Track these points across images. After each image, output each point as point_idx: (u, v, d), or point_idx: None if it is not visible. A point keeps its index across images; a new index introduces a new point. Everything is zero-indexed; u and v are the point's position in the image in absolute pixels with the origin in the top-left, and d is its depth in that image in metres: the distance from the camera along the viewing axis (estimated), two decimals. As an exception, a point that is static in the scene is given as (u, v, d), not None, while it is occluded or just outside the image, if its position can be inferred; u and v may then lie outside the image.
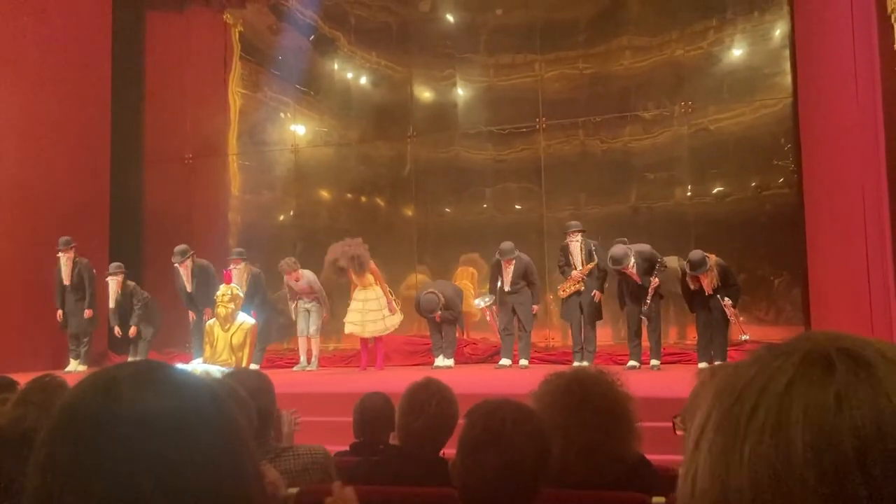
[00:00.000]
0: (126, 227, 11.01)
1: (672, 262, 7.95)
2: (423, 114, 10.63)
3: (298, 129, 11.27)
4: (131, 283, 9.30)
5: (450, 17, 10.72)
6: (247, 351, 6.86)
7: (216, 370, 5.98)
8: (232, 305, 6.88)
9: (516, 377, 7.10)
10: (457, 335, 8.87)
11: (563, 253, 8.30)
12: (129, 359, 8.46)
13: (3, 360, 7.83)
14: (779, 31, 9.28)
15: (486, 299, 8.70)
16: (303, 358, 8.92)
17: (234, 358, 6.76)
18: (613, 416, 2.07)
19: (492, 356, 9.03)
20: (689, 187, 9.46)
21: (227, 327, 6.85)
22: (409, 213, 10.59)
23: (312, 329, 8.82)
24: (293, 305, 8.91)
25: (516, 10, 10.27)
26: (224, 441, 0.69)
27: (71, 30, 10.49)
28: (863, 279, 6.62)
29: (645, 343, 7.95)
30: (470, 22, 10.51)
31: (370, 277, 8.61)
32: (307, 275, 8.79)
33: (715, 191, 9.45)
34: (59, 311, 9.26)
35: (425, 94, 10.78)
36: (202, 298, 8.83)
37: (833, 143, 7.53)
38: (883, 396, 0.51)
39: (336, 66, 11.16)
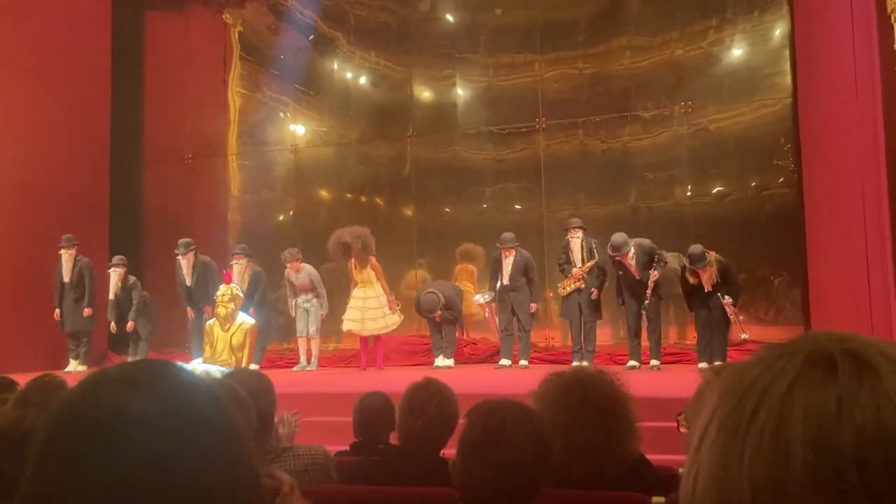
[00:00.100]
0: (126, 227, 11.01)
1: (672, 260, 7.95)
2: (422, 114, 10.63)
3: (298, 129, 11.27)
4: (132, 278, 9.32)
5: (449, 17, 10.72)
6: (247, 351, 6.87)
7: (216, 370, 5.98)
8: (232, 305, 6.88)
9: (516, 377, 7.10)
10: (457, 335, 8.88)
11: (564, 250, 8.30)
12: (129, 359, 8.46)
13: (3, 360, 7.83)
14: (779, 31, 9.28)
15: (486, 296, 8.71)
16: (303, 358, 8.93)
17: (233, 358, 6.76)
18: (613, 416, 2.07)
19: (492, 356, 9.03)
20: (689, 187, 9.46)
21: (226, 327, 6.86)
22: (408, 212, 10.59)
23: (312, 329, 8.84)
24: (292, 303, 8.93)
25: (516, 10, 10.27)
26: (223, 441, 0.68)
27: (70, 30, 10.49)
28: (862, 279, 6.62)
29: (645, 343, 7.95)
30: (470, 22, 10.51)
31: (371, 273, 8.63)
32: (308, 269, 8.85)
33: (715, 191, 9.45)
34: (57, 310, 9.27)
35: (425, 93, 10.78)
36: (201, 294, 8.85)
37: (833, 143, 7.53)
38: (885, 400, 0.50)
39: (336, 66, 11.16)
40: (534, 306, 8.42)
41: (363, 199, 10.88)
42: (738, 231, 9.01)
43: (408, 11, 10.71)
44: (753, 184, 9.27)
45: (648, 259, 7.74)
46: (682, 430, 1.82)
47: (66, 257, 9.26)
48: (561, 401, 2.08)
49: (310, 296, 8.87)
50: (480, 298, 8.89)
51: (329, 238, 8.85)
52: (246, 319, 6.99)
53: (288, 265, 8.79)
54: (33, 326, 9.51)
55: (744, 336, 7.41)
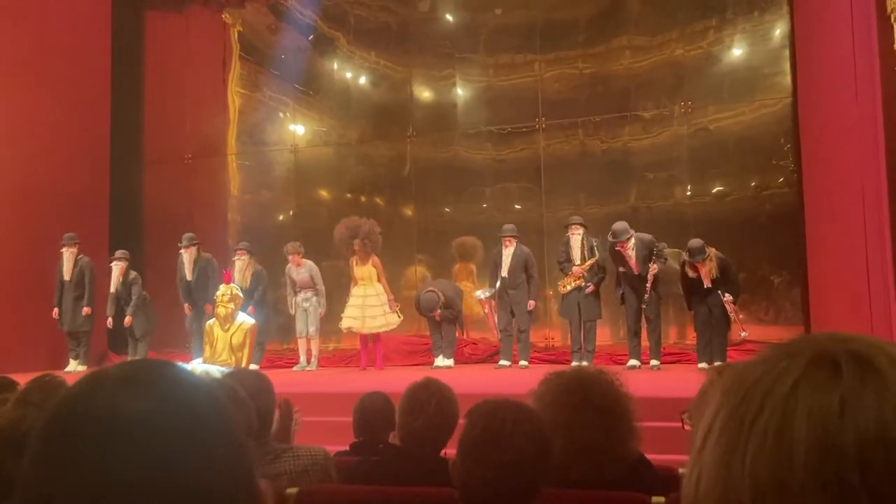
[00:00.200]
0: (126, 227, 11.01)
1: (672, 258, 7.96)
2: (422, 114, 10.63)
3: (298, 129, 11.27)
4: (133, 273, 9.32)
5: (449, 17, 10.72)
6: (246, 351, 6.87)
7: (216, 370, 5.98)
8: (232, 305, 6.88)
9: (516, 377, 7.10)
10: (456, 335, 8.88)
11: (564, 247, 8.30)
12: (129, 359, 8.46)
13: (3, 360, 7.84)
14: (779, 31, 9.28)
15: (486, 292, 8.72)
16: (302, 358, 8.94)
17: (233, 358, 6.76)
18: (614, 416, 2.07)
19: (492, 356, 9.03)
20: (689, 187, 9.46)
21: (226, 327, 6.86)
22: (408, 212, 10.59)
23: (311, 329, 8.86)
24: (291, 301, 8.94)
25: (516, 10, 10.27)
26: (222, 441, 0.68)
27: (70, 30, 10.49)
28: (863, 279, 6.62)
29: (645, 343, 7.95)
30: (469, 22, 10.51)
31: (372, 271, 8.65)
32: (309, 264, 8.90)
33: (714, 190, 9.45)
34: (56, 309, 9.28)
35: (425, 93, 10.77)
36: (200, 291, 8.87)
37: (833, 143, 7.53)
38: (887, 402, 0.50)
39: (335, 66, 11.16)
40: (532, 303, 8.41)
41: (363, 198, 10.87)
42: (738, 231, 9.01)
43: (408, 11, 10.71)
44: (753, 184, 9.27)
45: (648, 253, 7.75)
46: (687, 427, 1.83)
47: (68, 256, 9.30)
48: (561, 401, 2.08)
49: (309, 293, 8.88)
50: (481, 294, 8.90)
51: (328, 248, 8.87)
52: (246, 319, 6.99)
53: (290, 258, 8.83)
54: (33, 326, 9.51)
55: (743, 334, 7.40)
